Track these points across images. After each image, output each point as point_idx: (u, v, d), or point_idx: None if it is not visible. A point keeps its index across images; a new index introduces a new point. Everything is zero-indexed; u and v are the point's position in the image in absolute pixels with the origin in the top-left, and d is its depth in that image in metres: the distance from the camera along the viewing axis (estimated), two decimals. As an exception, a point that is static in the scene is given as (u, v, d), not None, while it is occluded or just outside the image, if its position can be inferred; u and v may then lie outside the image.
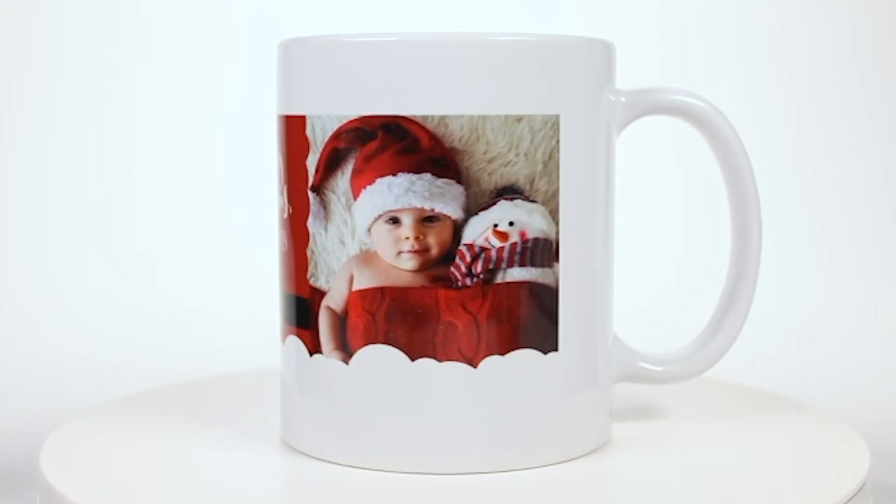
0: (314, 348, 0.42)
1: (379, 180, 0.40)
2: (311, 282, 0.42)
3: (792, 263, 0.84)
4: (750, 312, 0.46)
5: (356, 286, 0.41)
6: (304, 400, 0.43)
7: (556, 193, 0.40)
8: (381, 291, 0.40)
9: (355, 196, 0.40)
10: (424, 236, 0.40)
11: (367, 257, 0.40)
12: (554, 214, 0.41)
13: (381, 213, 0.40)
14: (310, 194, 0.41)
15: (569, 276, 0.41)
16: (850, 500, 0.39)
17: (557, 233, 0.41)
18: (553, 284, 0.41)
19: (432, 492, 0.39)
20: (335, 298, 0.41)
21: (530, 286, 0.40)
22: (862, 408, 0.62)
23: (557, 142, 0.40)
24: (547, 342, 0.41)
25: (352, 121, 0.40)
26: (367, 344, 0.40)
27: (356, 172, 0.40)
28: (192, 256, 0.85)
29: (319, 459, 0.42)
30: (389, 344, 0.40)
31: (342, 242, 0.41)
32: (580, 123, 0.41)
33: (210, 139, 0.89)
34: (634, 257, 0.77)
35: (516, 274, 0.40)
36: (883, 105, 0.88)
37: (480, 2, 0.89)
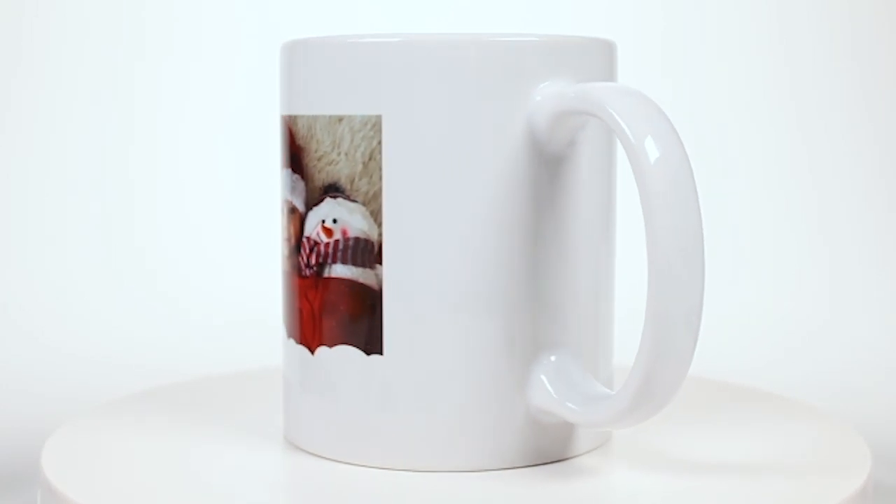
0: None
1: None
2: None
3: (792, 263, 0.84)
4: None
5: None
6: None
7: (378, 194, 0.40)
8: (283, 273, 0.45)
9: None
10: (290, 225, 0.43)
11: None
12: (376, 215, 0.40)
13: (282, 202, 0.44)
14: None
15: (396, 279, 0.40)
16: (850, 500, 0.39)
17: (380, 234, 0.40)
18: (375, 286, 0.40)
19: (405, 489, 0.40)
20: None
21: (351, 284, 0.41)
22: (863, 408, 0.62)
23: (379, 143, 0.40)
24: (369, 343, 0.41)
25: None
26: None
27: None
28: (193, 256, 0.85)
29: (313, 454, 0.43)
30: (285, 322, 0.45)
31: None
32: (416, 125, 0.40)
33: (210, 139, 0.88)
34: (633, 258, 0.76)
35: (339, 271, 0.41)
36: (883, 105, 0.88)
37: (483, 2, 0.89)
